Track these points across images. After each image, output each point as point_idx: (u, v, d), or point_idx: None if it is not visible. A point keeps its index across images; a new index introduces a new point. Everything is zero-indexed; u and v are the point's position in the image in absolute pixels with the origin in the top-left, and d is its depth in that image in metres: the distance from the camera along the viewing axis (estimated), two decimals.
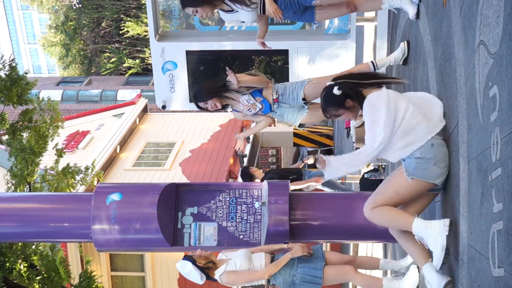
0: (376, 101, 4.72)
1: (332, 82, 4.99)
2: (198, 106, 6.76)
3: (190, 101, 9.46)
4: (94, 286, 10.91)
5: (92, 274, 10.96)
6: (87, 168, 13.69)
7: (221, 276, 6.17)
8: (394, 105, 4.67)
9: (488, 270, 3.33)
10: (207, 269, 6.20)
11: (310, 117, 6.69)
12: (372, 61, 6.92)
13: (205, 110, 6.70)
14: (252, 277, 6.15)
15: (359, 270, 6.39)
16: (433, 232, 4.59)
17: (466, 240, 4.05)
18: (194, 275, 6.18)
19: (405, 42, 6.75)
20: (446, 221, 4.56)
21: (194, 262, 6.16)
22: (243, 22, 6.70)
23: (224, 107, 6.77)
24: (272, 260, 6.26)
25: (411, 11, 6.17)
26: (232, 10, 6.32)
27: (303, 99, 6.48)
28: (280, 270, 6.18)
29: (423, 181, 4.73)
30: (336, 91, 4.89)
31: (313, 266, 6.20)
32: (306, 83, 6.58)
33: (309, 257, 6.23)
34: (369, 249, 12.08)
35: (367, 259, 6.50)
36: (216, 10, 6.35)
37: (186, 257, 6.24)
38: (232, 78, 6.40)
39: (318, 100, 6.68)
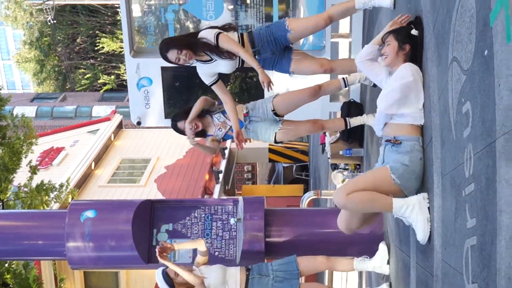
0: (414, 71, 4.71)
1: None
2: (176, 128, 6.75)
3: (166, 117, 9.42)
4: None
5: None
6: (61, 185, 13.59)
7: None
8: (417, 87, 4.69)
9: (462, 285, 3.34)
10: None
11: (286, 133, 6.69)
12: (343, 77, 6.96)
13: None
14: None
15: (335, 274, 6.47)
16: (414, 208, 4.63)
17: (440, 255, 4.06)
18: None
19: None
20: (425, 195, 4.62)
21: (171, 286, 6.08)
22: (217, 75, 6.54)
23: (204, 133, 6.75)
24: (248, 275, 6.24)
25: (387, 1, 6.05)
26: (210, 60, 6.26)
27: (273, 111, 6.50)
28: None
29: (402, 189, 4.77)
30: (414, 31, 4.83)
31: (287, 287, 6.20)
32: (274, 96, 6.61)
33: (284, 274, 6.24)
34: (343, 277, 12.06)
35: (341, 261, 6.51)
36: (193, 60, 6.27)
37: (165, 277, 6.14)
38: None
39: (290, 115, 6.73)
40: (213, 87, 6.45)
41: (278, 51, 6.49)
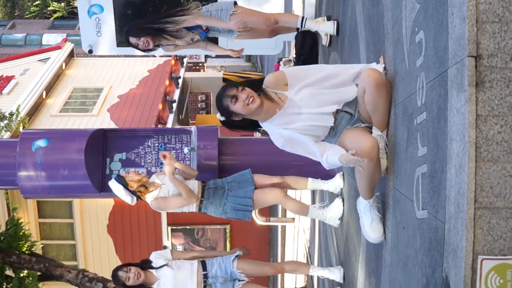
0: None
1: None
2: (128, 41, 6.59)
3: (118, 46, 9.30)
4: (21, 233, 10.75)
5: (19, 221, 10.81)
6: (11, 114, 13.39)
7: (152, 201, 6.22)
8: None
9: (412, 212, 3.41)
10: (138, 192, 6.19)
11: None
12: (302, 16, 6.93)
13: (135, 46, 6.56)
14: (180, 203, 6.19)
15: (289, 191, 6.56)
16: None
17: (391, 183, 4.12)
18: (125, 198, 6.19)
19: (334, 22, 6.65)
20: None
21: (126, 186, 6.14)
22: None
23: (155, 47, 6.66)
24: (204, 186, 6.35)
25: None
26: None
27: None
28: (211, 199, 6.26)
29: None
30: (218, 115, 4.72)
31: (242, 193, 6.29)
32: (231, 11, 6.59)
33: (238, 184, 6.36)
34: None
35: (296, 179, 6.61)
36: None
37: (119, 180, 6.20)
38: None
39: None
40: None
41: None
